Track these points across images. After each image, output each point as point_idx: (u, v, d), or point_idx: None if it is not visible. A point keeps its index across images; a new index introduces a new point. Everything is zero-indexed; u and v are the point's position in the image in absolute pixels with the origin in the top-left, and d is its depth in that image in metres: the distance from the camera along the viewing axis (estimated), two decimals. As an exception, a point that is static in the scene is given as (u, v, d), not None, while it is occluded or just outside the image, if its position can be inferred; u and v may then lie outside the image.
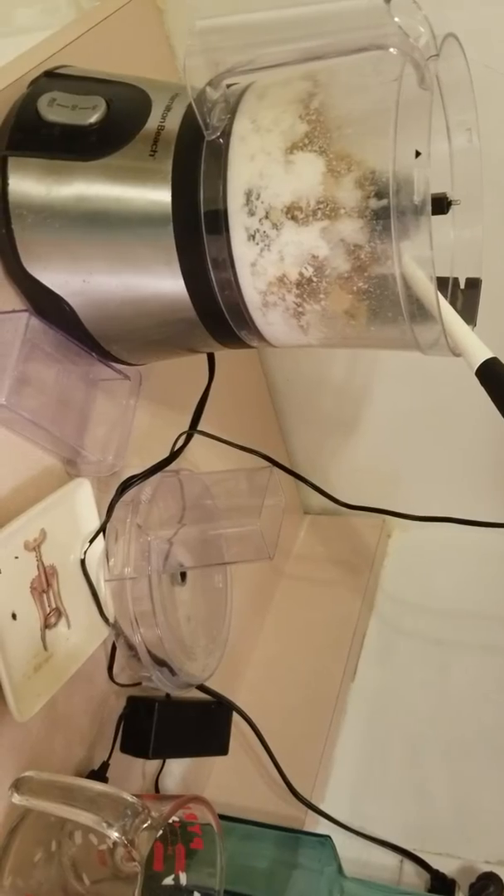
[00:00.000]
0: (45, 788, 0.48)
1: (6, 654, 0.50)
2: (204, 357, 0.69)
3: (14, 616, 0.52)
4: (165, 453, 0.68)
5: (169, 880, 0.55)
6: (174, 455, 0.66)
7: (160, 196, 0.47)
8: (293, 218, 0.44)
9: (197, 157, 0.46)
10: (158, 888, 0.55)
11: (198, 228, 0.46)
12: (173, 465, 0.68)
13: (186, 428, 0.70)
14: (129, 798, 0.47)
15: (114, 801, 0.47)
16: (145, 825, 0.46)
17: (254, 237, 0.45)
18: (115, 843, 0.49)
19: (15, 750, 0.52)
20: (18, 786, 0.47)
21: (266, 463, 0.71)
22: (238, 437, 0.75)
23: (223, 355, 0.70)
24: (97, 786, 0.48)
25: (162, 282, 0.49)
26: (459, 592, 0.95)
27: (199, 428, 0.69)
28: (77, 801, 0.47)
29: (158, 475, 0.65)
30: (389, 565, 1.03)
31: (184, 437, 0.68)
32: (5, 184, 0.48)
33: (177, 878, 0.55)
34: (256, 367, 0.94)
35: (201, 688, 0.68)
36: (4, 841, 0.50)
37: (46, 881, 0.50)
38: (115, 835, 0.45)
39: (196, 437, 0.70)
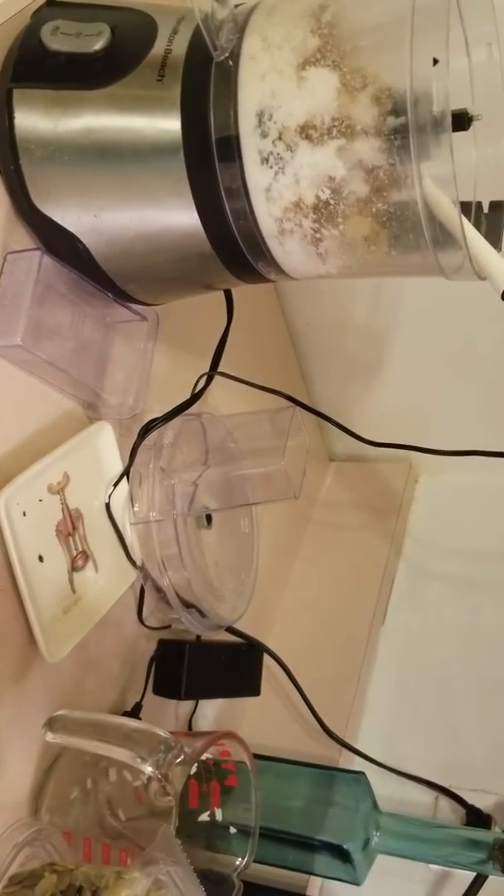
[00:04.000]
0: (79, 726, 0.48)
1: (34, 596, 0.50)
2: (221, 299, 0.68)
3: (41, 558, 0.52)
4: (186, 397, 0.67)
5: (204, 817, 0.56)
6: (195, 397, 0.65)
7: (169, 124, 0.45)
8: (307, 138, 0.42)
9: (206, 81, 0.45)
10: (194, 825, 0.56)
11: (209, 156, 0.45)
12: (195, 409, 0.67)
13: (206, 371, 0.69)
14: (162, 733, 0.47)
15: (147, 737, 0.47)
16: (178, 760, 0.47)
17: (267, 160, 0.44)
18: (149, 779, 0.49)
19: (48, 692, 0.53)
20: (52, 724, 0.47)
21: (289, 403, 0.70)
22: (260, 378, 0.74)
23: (242, 300, 0.69)
24: (130, 722, 0.48)
25: (174, 214, 0.47)
26: (488, 534, 0.94)
27: (221, 370, 0.68)
28: (110, 738, 0.47)
29: (180, 419, 0.65)
30: (417, 510, 1.02)
31: (204, 378, 0.67)
32: (11, 118, 0.47)
33: (212, 815, 0.56)
34: (276, 310, 0.93)
35: (231, 630, 0.68)
36: (40, 780, 0.51)
37: (83, 818, 0.51)
38: (148, 769, 0.45)
39: (216, 381, 0.69)
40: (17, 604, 0.50)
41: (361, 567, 0.93)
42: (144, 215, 0.48)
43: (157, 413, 0.64)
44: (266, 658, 0.74)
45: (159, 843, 0.40)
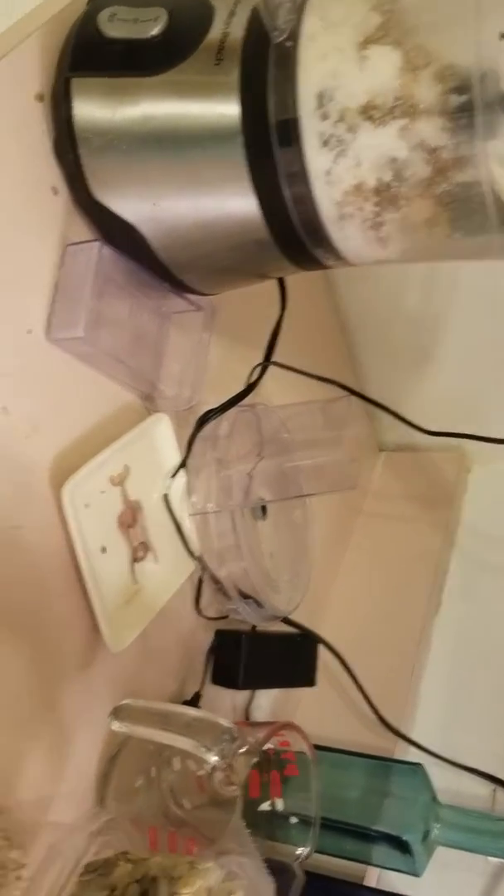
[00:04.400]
0: (143, 715, 0.48)
1: (99, 587, 0.50)
2: (272, 289, 0.67)
3: (104, 550, 0.52)
4: (239, 387, 0.67)
5: (265, 806, 0.56)
6: (250, 387, 0.65)
7: (228, 109, 0.45)
8: (369, 118, 0.42)
9: (264, 63, 0.44)
10: (254, 814, 0.56)
11: (268, 140, 0.44)
12: (248, 401, 0.67)
13: (258, 361, 0.69)
14: (225, 723, 0.47)
15: (210, 727, 0.47)
16: (242, 750, 0.47)
17: (328, 143, 0.43)
18: (213, 768, 0.49)
19: (111, 681, 0.53)
20: (117, 713, 0.48)
21: (344, 393, 0.70)
22: (313, 368, 0.74)
23: (293, 288, 0.68)
24: (193, 711, 0.48)
25: (233, 201, 0.47)
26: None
27: (274, 359, 0.67)
28: (174, 727, 0.47)
29: (234, 410, 0.64)
30: (469, 500, 1.01)
31: (258, 369, 0.66)
32: (70, 107, 0.47)
33: (273, 804, 0.56)
34: (327, 298, 0.92)
35: (286, 621, 0.68)
36: (105, 768, 0.51)
37: (147, 807, 0.51)
38: (213, 759, 0.45)
39: (268, 371, 0.69)
40: (82, 595, 0.50)
41: (414, 558, 0.92)
42: (202, 203, 0.48)
43: (211, 404, 0.64)
44: (320, 649, 0.74)
45: (230, 834, 0.39)
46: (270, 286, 0.67)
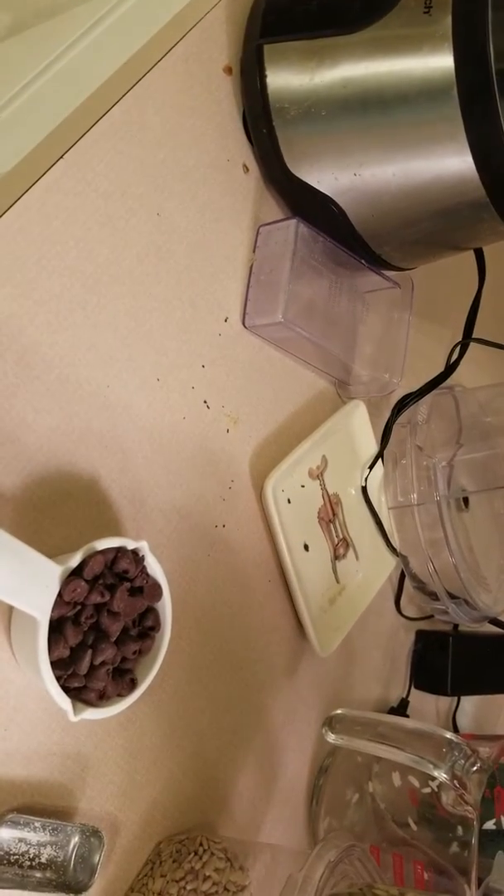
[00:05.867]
0: (358, 727, 0.45)
1: (304, 587, 0.47)
2: (463, 263, 0.62)
3: (306, 547, 0.49)
4: (432, 369, 0.62)
5: (490, 824, 0.51)
6: (450, 368, 0.60)
7: (440, 60, 0.40)
8: None
9: (483, 6, 0.39)
10: (478, 833, 0.51)
11: (489, 90, 0.40)
12: (445, 382, 0.62)
13: (451, 340, 0.64)
14: (453, 737, 0.43)
15: (433, 740, 0.43)
16: (475, 767, 0.42)
17: None
18: (440, 785, 0.45)
19: (318, 687, 0.50)
20: (332, 724, 0.44)
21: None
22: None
23: (489, 259, 0.62)
24: (410, 722, 0.44)
25: (446, 161, 0.42)
26: None
27: (476, 338, 0.62)
28: (394, 740, 0.43)
29: (431, 394, 0.60)
30: None
31: (458, 348, 0.61)
32: (263, 77, 0.44)
33: (499, 823, 0.51)
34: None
35: (494, 621, 0.63)
36: (317, 781, 0.48)
37: (361, 822, 0.48)
38: (443, 776, 0.41)
39: (464, 349, 0.64)
40: (286, 597, 0.47)
41: None
42: (410, 167, 0.43)
43: (406, 389, 0.59)
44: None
45: (498, 871, 0.35)
46: (463, 260, 0.62)
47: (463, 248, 0.55)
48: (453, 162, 0.42)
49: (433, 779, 0.44)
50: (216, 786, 0.43)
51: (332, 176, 0.45)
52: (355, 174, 0.44)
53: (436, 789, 0.46)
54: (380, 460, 0.55)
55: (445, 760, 0.42)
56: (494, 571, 0.62)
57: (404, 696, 0.57)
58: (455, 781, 0.41)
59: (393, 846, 0.48)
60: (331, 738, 0.44)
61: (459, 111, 0.41)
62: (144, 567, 0.35)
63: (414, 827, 0.49)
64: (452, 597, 0.57)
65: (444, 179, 0.43)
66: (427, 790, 0.46)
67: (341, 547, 0.52)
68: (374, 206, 0.46)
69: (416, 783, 0.47)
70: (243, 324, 0.47)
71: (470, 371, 0.69)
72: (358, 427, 0.54)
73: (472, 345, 0.62)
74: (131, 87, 0.42)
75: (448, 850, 0.47)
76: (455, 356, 0.61)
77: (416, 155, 0.43)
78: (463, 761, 0.42)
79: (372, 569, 0.54)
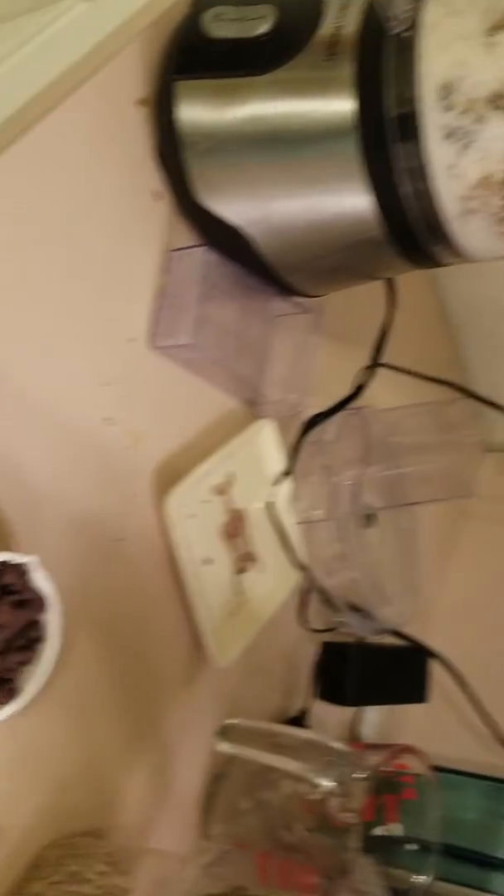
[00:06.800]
0: (252, 736, 0.47)
1: (203, 600, 0.49)
2: (378, 287, 0.64)
3: (208, 561, 0.50)
4: (344, 391, 0.65)
5: (379, 830, 0.53)
6: (358, 390, 0.63)
7: (341, 105, 0.43)
8: (499, 108, 0.39)
9: (381, 56, 0.42)
10: (369, 838, 0.53)
11: (385, 135, 0.42)
12: (354, 404, 0.65)
13: (364, 363, 0.66)
14: (340, 746, 0.45)
15: (323, 749, 0.45)
16: (358, 775, 0.44)
17: (452, 135, 0.40)
18: (327, 793, 0.47)
19: (216, 698, 0.52)
20: (225, 733, 0.46)
21: (457, 394, 0.66)
22: (419, 370, 0.70)
23: (400, 283, 0.65)
24: (303, 732, 0.47)
25: (347, 199, 0.45)
26: None
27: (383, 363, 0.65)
28: (285, 749, 0.45)
29: (341, 414, 0.62)
30: None
31: (366, 372, 0.64)
32: (175, 111, 0.46)
33: (388, 829, 0.53)
34: (432, 295, 0.88)
35: (396, 633, 0.65)
36: (210, 789, 0.50)
37: (255, 830, 0.50)
38: (329, 784, 0.43)
39: (379, 371, 0.66)
40: (185, 609, 0.49)
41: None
42: (314, 203, 0.46)
43: (316, 409, 0.62)
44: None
45: (359, 872, 0.37)
46: (376, 284, 0.64)
47: (373, 278, 0.58)
48: (355, 200, 0.45)
49: (320, 787, 0.46)
50: (108, 793, 0.44)
51: (240, 208, 0.47)
52: (262, 208, 0.47)
53: (322, 797, 0.48)
54: (288, 477, 0.57)
55: (331, 769, 0.44)
56: (398, 585, 0.64)
57: (304, 706, 0.59)
58: (339, 789, 0.44)
59: (285, 853, 0.50)
60: (222, 746, 0.46)
61: (360, 153, 0.43)
62: (32, 580, 0.36)
63: (306, 834, 0.51)
64: (356, 609, 0.59)
65: (346, 216, 0.46)
66: (315, 798, 0.48)
67: (245, 560, 0.54)
68: (282, 239, 0.48)
69: (305, 790, 0.49)
70: (152, 344, 0.48)
71: (384, 393, 0.71)
72: (267, 445, 0.56)
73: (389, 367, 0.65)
74: (46, 114, 0.43)
75: (338, 856, 0.49)
76: (363, 378, 0.63)
77: (321, 192, 0.45)
78: (347, 770, 0.44)
79: (276, 582, 0.56)
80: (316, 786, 0.45)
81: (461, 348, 0.92)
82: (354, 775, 0.45)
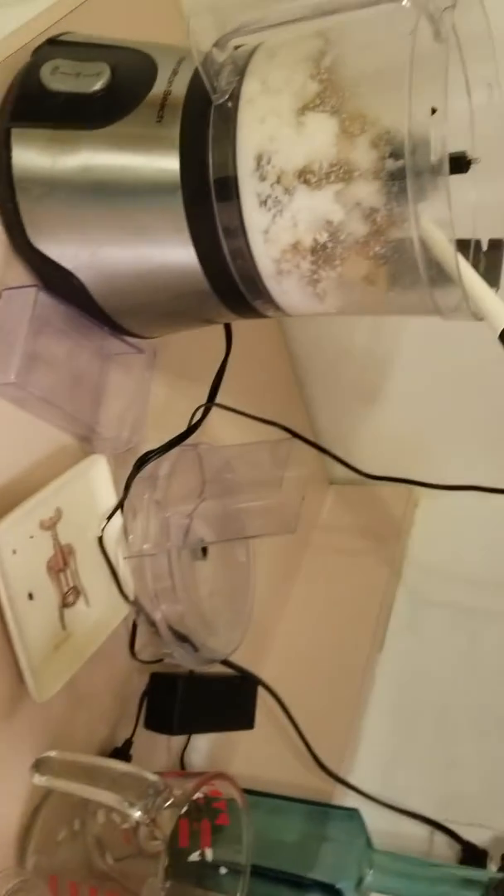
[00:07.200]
0: (67, 768, 0.47)
1: (24, 635, 0.49)
2: (222, 326, 0.67)
3: (31, 596, 0.51)
4: (184, 427, 0.67)
5: (195, 856, 0.55)
6: (192, 429, 0.65)
7: (168, 163, 0.45)
8: (306, 182, 0.42)
9: (205, 122, 0.44)
10: (184, 864, 0.55)
11: (207, 195, 0.45)
12: (193, 439, 0.67)
13: (205, 400, 0.69)
14: (151, 777, 0.46)
15: (136, 781, 0.47)
16: (168, 804, 0.46)
17: (266, 203, 0.43)
18: (137, 823, 0.49)
19: (36, 730, 0.52)
20: (39, 766, 0.47)
21: (287, 434, 0.70)
22: (260, 408, 0.74)
23: (243, 326, 0.68)
24: (119, 765, 0.48)
25: (172, 252, 0.47)
26: (489, 560, 0.93)
27: (219, 400, 0.68)
28: (99, 781, 0.47)
29: (177, 449, 0.64)
30: (417, 534, 1.02)
31: (201, 410, 0.67)
32: (9, 156, 0.47)
33: (202, 854, 0.55)
34: (277, 336, 0.92)
35: (225, 662, 0.68)
36: (28, 821, 0.50)
37: (70, 860, 0.51)
38: (137, 814, 0.45)
39: (216, 410, 0.69)
40: (5, 643, 0.50)
41: (360, 593, 0.92)
42: (142, 253, 0.48)
43: (155, 443, 0.64)
44: (262, 689, 0.74)
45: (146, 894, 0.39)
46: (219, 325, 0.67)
47: (207, 323, 0.60)
48: (179, 253, 0.47)
49: (130, 817, 0.48)
50: None
51: (71, 253, 0.49)
52: (93, 253, 0.48)
53: (134, 826, 0.49)
54: (119, 512, 0.59)
55: (141, 799, 0.46)
56: (228, 615, 0.67)
57: (129, 736, 0.61)
58: (147, 818, 0.45)
59: (98, 881, 0.51)
60: (36, 779, 0.47)
61: (184, 210, 0.46)
62: None
63: (121, 863, 0.52)
64: (184, 640, 0.61)
65: (173, 268, 0.48)
66: (127, 826, 0.50)
67: (71, 595, 0.55)
68: (112, 284, 0.50)
69: (119, 820, 0.50)
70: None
71: (229, 428, 0.74)
72: (98, 480, 0.57)
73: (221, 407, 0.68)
74: None
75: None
76: (198, 417, 0.66)
77: (149, 244, 0.47)
78: (158, 799, 0.46)
79: (104, 615, 0.57)
80: (126, 816, 0.47)
81: (305, 387, 0.97)
82: (166, 804, 0.47)
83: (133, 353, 0.57)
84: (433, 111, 0.39)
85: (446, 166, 0.39)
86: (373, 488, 1.03)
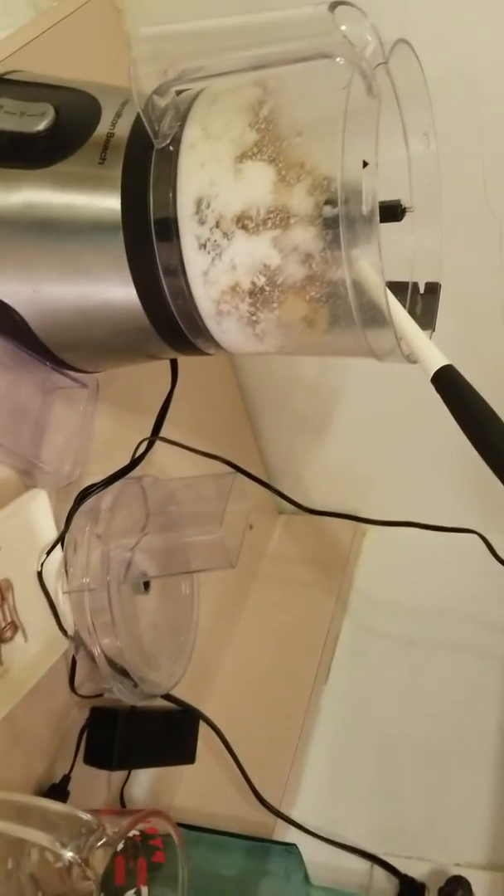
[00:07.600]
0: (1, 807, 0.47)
1: (-42, 671, 0.49)
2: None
3: (-33, 632, 0.51)
4: (128, 460, 0.67)
5: (131, 894, 0.54)
6: (134, 463, 0.65)
7: (110, 203, 0.46)
8: (244, 227, 0.43)
9: (146, 165, 0.45)
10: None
11: (148, 236, 0.45)
12: (139, 472, 0.67)
13: (151, 433, 0.69)
14: (84, 816, 0.46)
15: (68, 820, 0.46)
16: (101, 843, 0.46)
17: (205, 246, 0.44)
18: (70, 862, 0.48)
19: (-30, 767, 0.52)
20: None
21: (230, 469, 0.71)
22: (208, 440, 0.74)
23: (191, 359, 0.69)
24: (52, 805, 0.47)
25: (113, 290, 0.48)
26: (431, 592, 0.95)
27: (168, 432, 0.68)
28: (31, 821, 0.46)
29: (120, 482, 0.64)
30: (363, 565, 1.03)
31: (145, 444, 0.67)
32: (-49, 192, 0.47)
33: (139, 892, 0.55)
34: (226, 368, 0.93)
35: (167, 696, 0.68)
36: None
37: (4, 898, 0.50)
38: (68, 854, 0.44)
39: (154, 446, 0.69)
40: None
41: (306, 624, 0.93)
42: (83, 290, 0.48)
43: (99, 476, 0.64)
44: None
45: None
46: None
47: (151, 359, 0.61)
48: (120, 292, 0.48)
49: (62, 856, 0.47)
50: None
51: (13, 289, 0.49)
52: (34, 290, 0.49)
53: (67, 865, 0.49)
54: (59, 546, 0.59)
55: (74, 839, 0.45)
56: (169, 649, 0.67)
57: (67, 772, 0.60)
58: (78, 857, 0.45)
59: (30, 922, 0.50)
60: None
61: (125, 250, 0.46)
62: None
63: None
64: (122, 674, 0.61)
65: (113, 305, 0.49)
66: (60, 865, 0.49)
67: (8, 630, 0.54)
68: (53, 320, 0.50)
69: (52, 858, 0.50)
70: None
71: (176, 461, 0.75)
72: (38, 514, 0.57)
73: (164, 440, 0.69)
74: None
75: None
76: (141, 450, 0.66)
77: (88, 281, 0.48)
78: (89, 838, 0.45)
79: (42, 650, 0.57)
80: (59, 855, 0.46)
81: (253, 416, 0.98)
82: (99, 843, 0.46)
83: (76, 387, 0.58)
84: (366, 164, 0.41)
85: (377, 216, 0.41)
86: (321, 519, 1.04)
